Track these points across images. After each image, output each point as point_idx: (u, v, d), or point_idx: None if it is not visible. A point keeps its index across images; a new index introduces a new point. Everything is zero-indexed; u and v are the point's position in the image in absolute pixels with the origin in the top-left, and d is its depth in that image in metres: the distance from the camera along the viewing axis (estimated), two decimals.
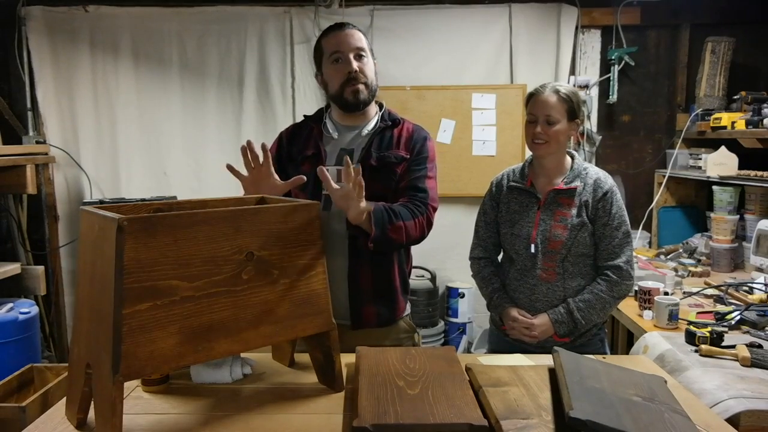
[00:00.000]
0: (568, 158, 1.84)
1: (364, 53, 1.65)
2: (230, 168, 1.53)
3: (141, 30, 3.36)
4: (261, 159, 1.53)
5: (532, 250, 1.78)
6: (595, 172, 1.81)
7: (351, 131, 1.70)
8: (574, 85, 3.39)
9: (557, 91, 1.75)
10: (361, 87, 1.63)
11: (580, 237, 1.75)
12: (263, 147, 1.53)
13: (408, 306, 1.79)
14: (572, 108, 1.75)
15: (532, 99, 1.78)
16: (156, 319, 1.03)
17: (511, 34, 3.37)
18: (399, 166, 1.65)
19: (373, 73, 1.67)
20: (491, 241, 1.92)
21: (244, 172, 1.54)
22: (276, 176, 1.55)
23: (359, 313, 1.65)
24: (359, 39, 1.65)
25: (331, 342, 1.29)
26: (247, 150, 1.51)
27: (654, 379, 1.31)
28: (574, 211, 1.76)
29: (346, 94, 1.64)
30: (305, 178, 1.54)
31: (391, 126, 1.70)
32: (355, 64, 1.62)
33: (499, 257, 1.97)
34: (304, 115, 1.81)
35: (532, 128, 1.77)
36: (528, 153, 1.87)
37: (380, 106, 1.75)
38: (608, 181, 1.80)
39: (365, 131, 1.69)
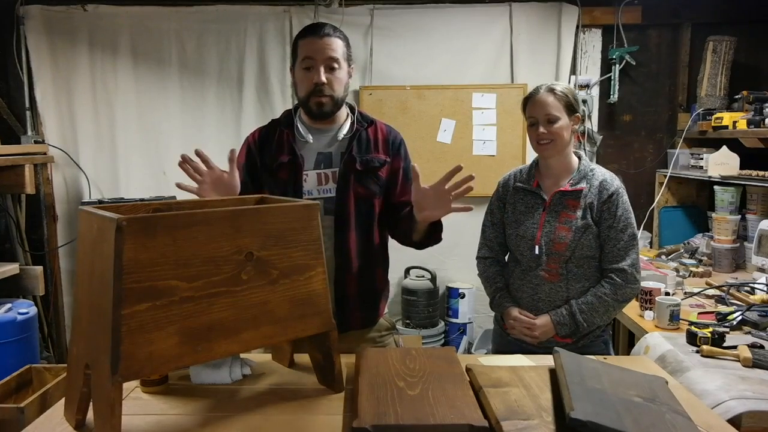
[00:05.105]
0: (575, 159, 1.83)
1: (336, 64, 1.61)
2: (181, 186, 1.50)
3: (140, 29, 3.36)
4: (202, 166, 1.50)
5: (537, 252, 1.77)
6: (601, 173, 1.81)
7: (325, 134, 1.70)
8: (575, 85, 3.39)
9: (552, 90, 1.75)
10: (326, 100, 1.62)
11: (585, 239, 1.75)
12: (197, 152, 1.50)
13: (386, 306, 1.82)
14: (570, 103, 1.75)
15: (530, 102, 1.79)
16: (155, 319, 1.02)
17: (512, 34, 3.37)
18: (382, 170, 1.68)
19: (342, 85, 1.64)
20: (497, 241, 1.92)
21: (193, 185, 1.52)
22: (222, 171, 1.52)
23: (345, 317, 1.66)
24: (334, 48, 1.60)
25: (330, 342, 1.28)
26: (184, 163, 1.48)
27: (655, 379, 1.30)
28: (579, 213, 1.75)
29: (310, 103, 1.64)
30: (236, 150, 1.55)
31: (366, 127, 1.71)
32: (323, 76, 1.59)
33: (506, 257, 1.97)
34: (272, 120, 1.79)
35: (535, 130, 1.77)
36: (531, 153, 1.86)
37: (352, 108, 1.75)
38: (615, 182, 1.79)
39: (341, 135, 1.68)
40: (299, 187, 1.64)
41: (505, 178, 1.94)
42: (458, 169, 1.44)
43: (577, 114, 1.78)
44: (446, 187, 1.47)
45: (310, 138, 1.68)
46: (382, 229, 1.73)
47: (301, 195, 1.64)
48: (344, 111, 1.73)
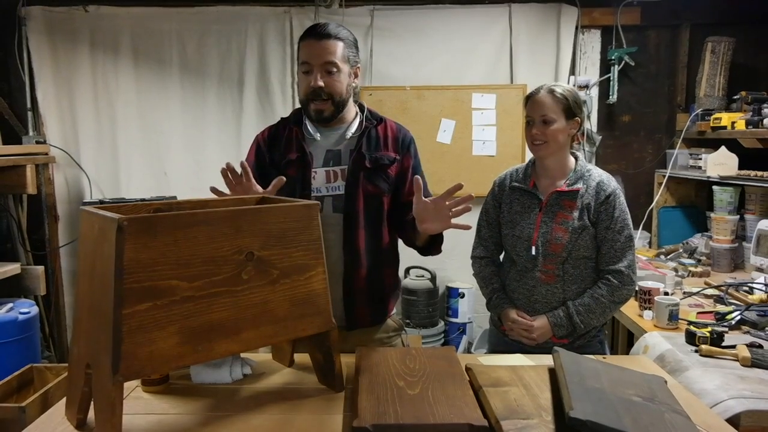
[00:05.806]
0: (572, 159, 1.82)
1: (335, 68, 1.59)
2: (214, 190, 1.50)
3: (141, 30, 3.36)
4: (242, 176, 1.50)
5: (533, 253, 1.77)
6: (598, 174, 1.80)
7: (333, 132, 1.70)
8: (574, 85, 3.39)
9: (552, 91, 1.74)
10: (325, 106, 1.61)
11: (582, 240, 1.74)
12: (242, 165, 1.50)
13: (395, 306, 1.82)
14: (569, 106, 1.73)
15: (529, 101, 1.78)
16: (156, 319, 1.02)
17: (511, 34, 3.37)
18: (391, 167, 1.68)
19: (343, 87, 1.63)
20: (492, 240, 1.92)
21: (226, 190, 1.52)
22: (258, 186, 1.52)
23: (353, 315, 1.66)
24: (332, 51, 1.58)
25: (331, 342, 1.29)
26: (227, 171, 1.48)
27: (654, 379, 1.31)
28: (575, 214, 1.75)
29: (309, 108, 1.64)
30: (284, 178, 1.52)
31: (375, 125, 1.71)
32: (320, 81, 1.58)
33: (501, 257, 1.97)
34: (282, 118, 1.79)
35: (530, 130, 1.76)
36: (530, 153, 1.86)
37: (361, 107, 1.74)
38: (612, 183, 1.78)
39: (349, 133, 1.68)
40: (308, 184, 1.64)
41: (501, 177, 1.93)
42: (459, 186, 1.43)
43: (577, 118, 1.76)
44: (446, 203, 1.46)
45: (318, 136, 1.68)
46: (391, 228, 1.73)
47: (309, 192, 1.63)
48: (353, 109, 1.72)
